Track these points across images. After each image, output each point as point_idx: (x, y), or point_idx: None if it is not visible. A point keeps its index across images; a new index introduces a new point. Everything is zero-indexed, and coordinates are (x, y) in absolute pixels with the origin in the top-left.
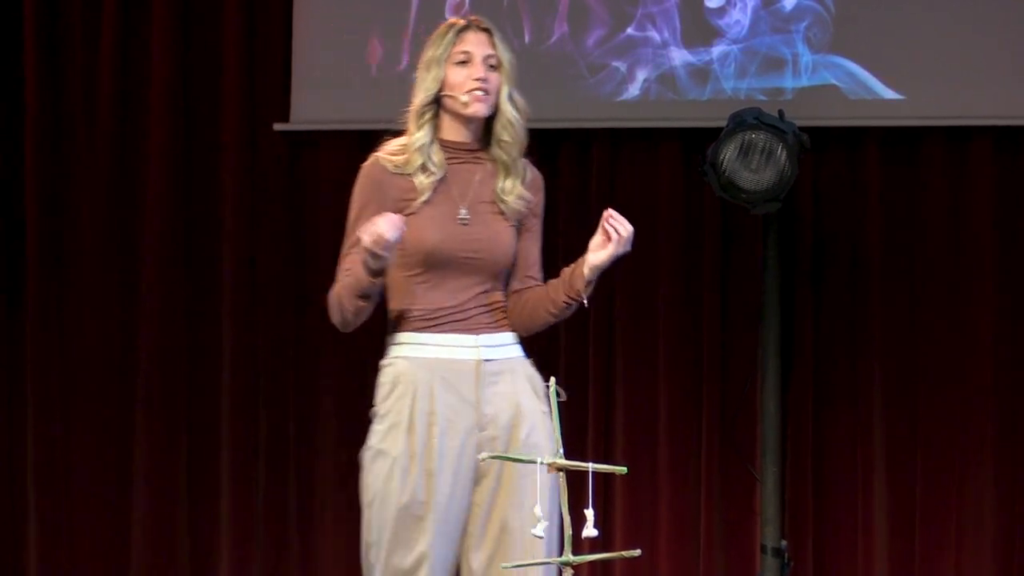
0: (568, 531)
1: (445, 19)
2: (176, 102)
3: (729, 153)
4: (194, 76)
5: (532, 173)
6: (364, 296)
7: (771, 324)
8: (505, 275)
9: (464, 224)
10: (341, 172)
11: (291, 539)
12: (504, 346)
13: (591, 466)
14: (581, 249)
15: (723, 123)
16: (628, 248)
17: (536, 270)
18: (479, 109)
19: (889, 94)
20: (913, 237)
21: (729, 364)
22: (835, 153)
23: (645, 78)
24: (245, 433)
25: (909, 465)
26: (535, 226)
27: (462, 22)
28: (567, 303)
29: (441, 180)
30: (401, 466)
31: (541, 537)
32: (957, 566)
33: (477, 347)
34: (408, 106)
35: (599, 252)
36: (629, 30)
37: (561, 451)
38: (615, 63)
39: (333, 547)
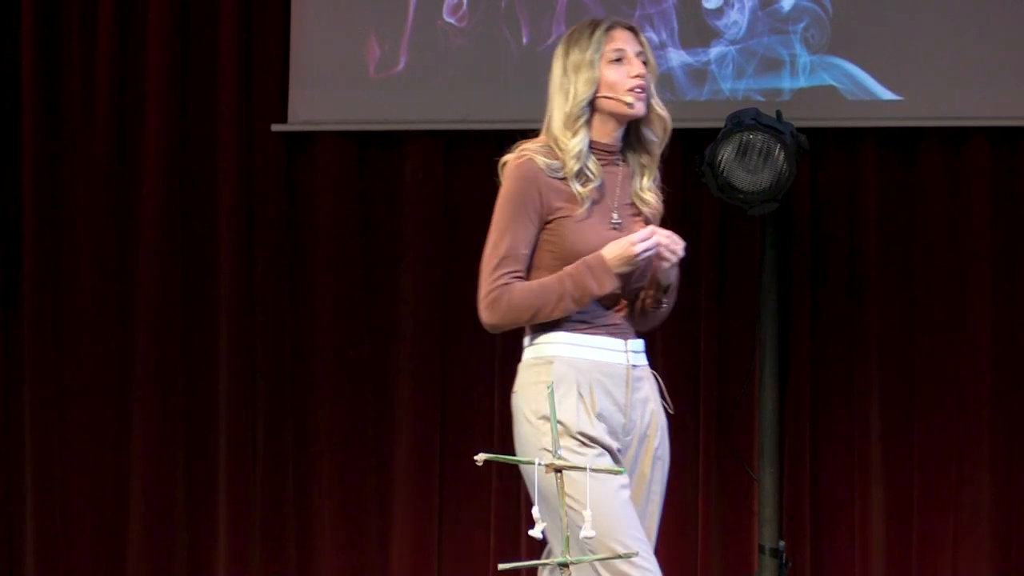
0: (565, 532)
1: (443, 20)
2: (173, 103)
3: (727, 154)
4: (191, 77)
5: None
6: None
7: (769, 324)
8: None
9: (615, 228)
10: (339, 173)
11: (288, 545)
12: (643, 353)
13: (589, 467)
14: None
15: (721, 124)
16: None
17: None
18: (641, 108)
19: (887, 95)
20: (910, 237)
21: (727, 365)
22: (833, 154)
23: None
24: (242, 435)
25: (906, 465)
26: (656, 222)
27: (605, 21)
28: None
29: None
30: (592, 465)
31: (540, 538)
32: (954, 565)
33: (626, 352)
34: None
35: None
36: None
37: (560, 452)
38: None
39: (331, 553)
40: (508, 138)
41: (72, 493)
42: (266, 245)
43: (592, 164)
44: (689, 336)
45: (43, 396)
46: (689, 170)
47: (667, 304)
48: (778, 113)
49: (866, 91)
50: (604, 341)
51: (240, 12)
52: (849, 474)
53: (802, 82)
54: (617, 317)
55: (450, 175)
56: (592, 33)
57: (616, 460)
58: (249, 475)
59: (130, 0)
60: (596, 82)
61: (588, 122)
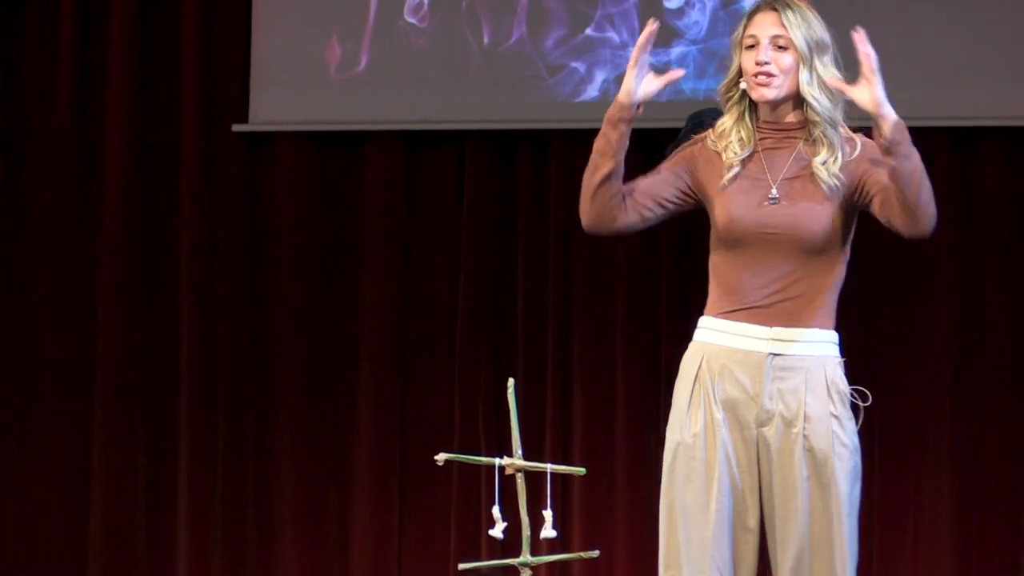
0: (526, 532)
1: (404, 20)
2: (135, 103)
3: None
4: (152, 77)
5: (858, 147)
6: (603, 156)
7: None
8: (822, 260)
9: (773, 204)
10: (300, 173)
11: (249, 547)
12: (803, 342)
13: (549, 467)
14: (542, 249)
15: (682, 123)
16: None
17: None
18: (763, 94)
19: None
20: (870, 237)
21: None
22: None
23: (604, 79)
24: (204, 437)
25: (866, 466)
26: (879, 164)
27: (756, 5)
28: (889, 155)
29: (753, 159)
30: (680, 453)
31: (500, 538)
32: (914, 565)
33: (768, 340)
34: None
35: (860, 91)
36: (588, 31)
37: (520, 452)
38: (574, 64)
39: (292, 554)
40: (470, 138)
41: (32, 496)
42: (227, 245)
43: (745, 135)
44: (649, 336)
45: (2, 399)
46: (649, 170)
47: (902, 161)
48: None
49: None
50: (742, 328)
51: (201, 12)
52: None
53: None
54: (766, 302)
55: (411, 175)
56: (743, 19)
57: (740, 449)
58: (210, 477)
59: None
60: (738, 66)
61: (742, 100)
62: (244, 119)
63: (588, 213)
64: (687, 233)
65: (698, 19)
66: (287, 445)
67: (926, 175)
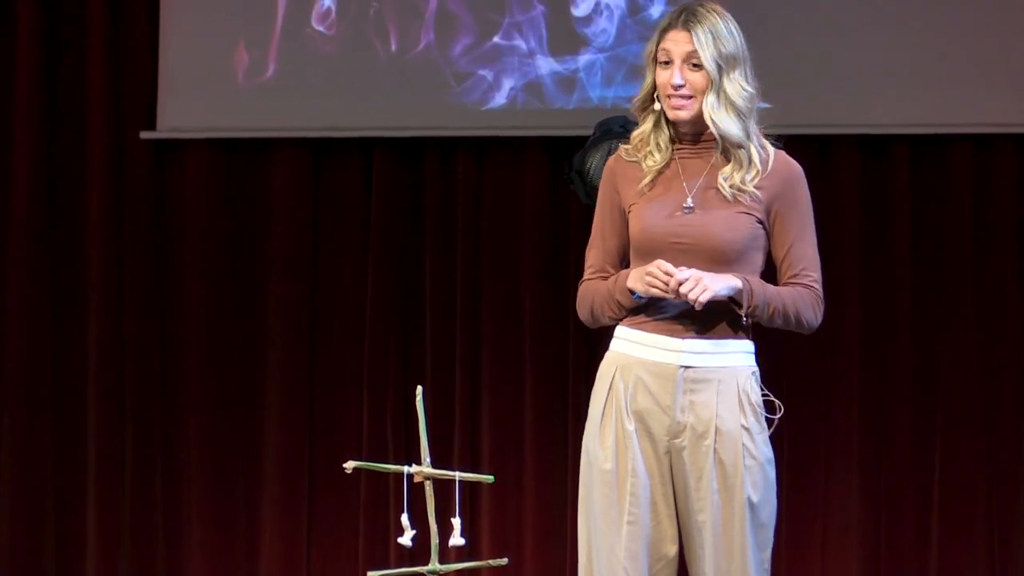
0: (435, 540)
1: (312, 28)
2: (42, 110)
3: (596, 161)
4: (60, 84)
5: (779, 164)
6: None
7: None
8: (737, 270)
9: (688, 213)
10: (208, 181)
11: (157, 552)
12: (716, 354)
13: (458, 475)
14: (447, 258)
15: (590, 131)
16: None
17: (794, 268)
18: (678, 115)
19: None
20: None
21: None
22: None
23: (512, 87)
24: (111, 438)
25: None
26: (786, 220)
27: (668, 18)
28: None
29: (669, 168)
30: (592, 464)
31: (409, 546)
32: (823, 570)
33: (680, 352)
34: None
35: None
36: (496, 39)
37: (428, 459)
38: (481, 71)
39: (200, 559)
40: (377, 145)
41: None
42: (135, 251)
43: (663, 145)
44: (557, 342)
45: None
46: (558, 178)
47: (760, 319)
48: None
49: None
50: (655, 339)
51: (109, 19)
52: None
53: None
54: (679, 313)
55: (318, 183)
56: (657, 30)
57: (651, 461)
58: (118, 482)
59: None
60: (652, 81)
61: (659, 111)
62: (152, 126)
63: (591, 326)
64: None
65: (606, 27)
66: (195, 450)
67: (791, 303)
